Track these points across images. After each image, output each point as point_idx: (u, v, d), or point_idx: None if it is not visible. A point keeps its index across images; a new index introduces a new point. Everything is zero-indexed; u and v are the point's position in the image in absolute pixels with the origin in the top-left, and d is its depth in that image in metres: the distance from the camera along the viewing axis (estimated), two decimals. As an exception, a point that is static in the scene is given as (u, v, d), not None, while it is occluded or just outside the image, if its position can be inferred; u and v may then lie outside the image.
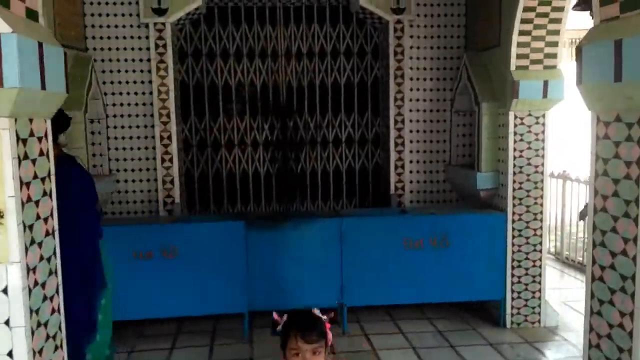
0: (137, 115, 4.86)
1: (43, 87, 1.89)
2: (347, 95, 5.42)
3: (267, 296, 4.22)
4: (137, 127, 4.87)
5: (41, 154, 1.99)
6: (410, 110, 5.17)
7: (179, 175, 4.91)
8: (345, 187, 5.50)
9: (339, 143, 5.47)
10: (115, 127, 4.84)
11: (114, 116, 4.83)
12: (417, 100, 5.19)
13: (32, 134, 1.93)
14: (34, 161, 1.93)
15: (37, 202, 1.94)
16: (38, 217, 1.95)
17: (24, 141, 1.87)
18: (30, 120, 1.92)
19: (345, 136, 5.46)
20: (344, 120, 5.45)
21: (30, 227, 1.89)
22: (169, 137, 4.85)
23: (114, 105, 4.82)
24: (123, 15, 4.76)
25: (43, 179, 2.00)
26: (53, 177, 2.08)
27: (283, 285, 4.24)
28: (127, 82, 4.82)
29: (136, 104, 4.85)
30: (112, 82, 4.80)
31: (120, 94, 4.82)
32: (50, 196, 2.06)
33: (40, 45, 1.88)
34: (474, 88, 4.68)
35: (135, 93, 4.84)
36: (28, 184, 1.87)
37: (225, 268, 4.17)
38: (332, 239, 4.26)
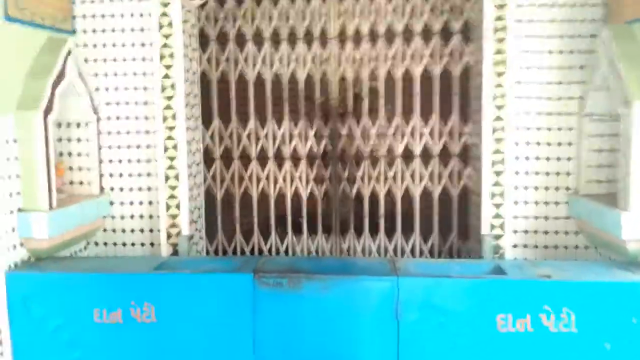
0: (136, 118, 3.69)
1: None
2: (424, 91, 3.88)
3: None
4: (137, 132, 3.70)
5: None
6: (517, 114, 3.53)
7: (188, 198, 3.67)
8: (419, 219, 3.96)
9: (410, 158, 3.94)
10: (109, 133, 3.70)
11: (108, 118, 3.69)
12: (527, 98, 3.53)
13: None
14: None
15: None
16: None
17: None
18: None
19: (420, 148, 3.92)
20: (419, 126, 3.91)
21: None
22: (175, 147, 3.62)
23: (107, 104, 3.68)
24: (121, -15, 3.61)
25: None
26: None
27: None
28: (125, 74, 3.66)
29: (135, 103, 3.67)
30: (106, 75, 3.67)
31: (116, 89, 3.68)
32: None
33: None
34: (620, 79, 2.98)
35: (135, 88, 3.67)
36: None
37: (223, 343, 2.84)
38: (384, 310, 2.77)
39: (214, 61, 3.96)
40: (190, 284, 2.85)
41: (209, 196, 4.02)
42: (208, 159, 4.01)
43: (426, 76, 3.87)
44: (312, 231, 4.03)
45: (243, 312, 2.81)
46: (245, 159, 4.02)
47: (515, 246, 3.57)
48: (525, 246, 3.57)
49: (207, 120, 3.99)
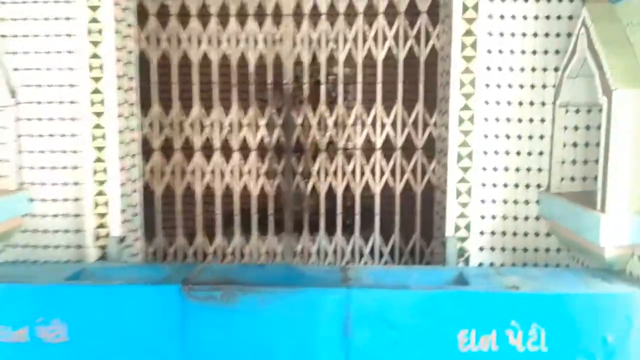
0: (60, 102, 3.24)
1: None
2: (386, 77, 3.52)
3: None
4: (62, 119, 3.26)
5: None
6: (486, 103, 3.20)
7: (120, 195, 3.26)
8: (380, 217, 3.62)
9: (371, 151, 3.59)
10: (29, 120, 3.25)
11: (29, 103, 3.24)
12: (498, 86, 3.21)
13: None
14: None
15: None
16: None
17: None
18: None
19: (381, 140, 3.57)
20: (381, 116, 3.56)
21: None
22: (104, 136, 3.19)
23: (27, 86, 3.23)
24: (41, -51, 3.15)
25: None
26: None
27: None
28: (48, 52, 3.22)
29: (59, 85, 3.23)
30: (25, 53, 3.21)
31: (38, 69, 3.22)
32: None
33: None
34: (600, 65, 2.66)
35: (59, 69, 3.22)
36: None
37: (146, 364, 2.46)
38: (332, 326, 2.42)
39: (154, 39, 3.53)
40: (107, 297, 2.45)
41: (148, 192, 3.61)
42: (146, 150, 3.58)
43: (389, 61, 3.52)
44: (263, 231, 3.65)
45: (170, 329, 2.43)
46: (188, 150, 3.61)
47: (481, 249, 3.25)
48: (492, 249, 3.26)
49: (146, 106, 3.56)
